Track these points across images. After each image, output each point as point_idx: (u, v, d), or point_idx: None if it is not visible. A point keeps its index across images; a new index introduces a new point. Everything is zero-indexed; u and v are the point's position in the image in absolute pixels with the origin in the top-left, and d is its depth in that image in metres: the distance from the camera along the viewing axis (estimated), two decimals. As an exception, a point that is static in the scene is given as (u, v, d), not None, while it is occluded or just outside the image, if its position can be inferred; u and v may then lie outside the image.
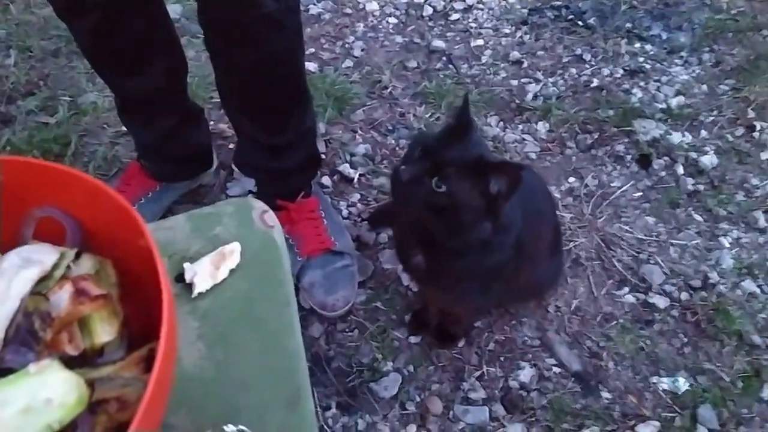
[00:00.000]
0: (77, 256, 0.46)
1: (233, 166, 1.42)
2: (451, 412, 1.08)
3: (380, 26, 1.78)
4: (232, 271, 0.56)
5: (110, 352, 0.44)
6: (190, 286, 0.55)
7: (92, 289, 0.42)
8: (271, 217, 0.60)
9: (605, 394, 1.09)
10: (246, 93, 1.07)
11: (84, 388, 0.39)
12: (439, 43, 1.71)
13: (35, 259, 0.44)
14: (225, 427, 0.45)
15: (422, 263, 0.83)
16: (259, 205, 0.61)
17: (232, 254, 0.56)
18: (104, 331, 0.42)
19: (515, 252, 0.79)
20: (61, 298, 0.41)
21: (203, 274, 0.55)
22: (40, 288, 0.43)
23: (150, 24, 1.08)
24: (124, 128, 1.54)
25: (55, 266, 0.44)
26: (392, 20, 1.79)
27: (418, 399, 1.10)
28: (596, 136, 1.46)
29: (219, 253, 0.56)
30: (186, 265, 0.56)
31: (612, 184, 1.38)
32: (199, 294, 0.55)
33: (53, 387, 0.38)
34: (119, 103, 1.21)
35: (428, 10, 1.81)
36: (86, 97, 1.62)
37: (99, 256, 0.47)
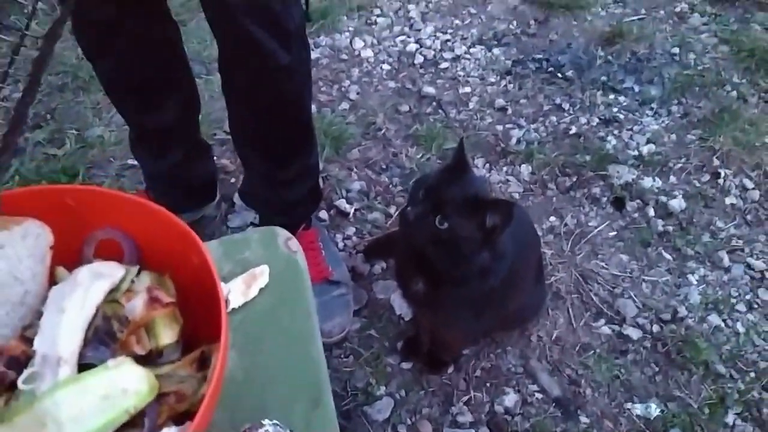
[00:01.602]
0: (138, 272, 0.54)
1: (235, 199, 1.51)
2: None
3: (374, 72, 1.90)
4: (261, 289, 0.64)
5: (168, 353, 0.51)
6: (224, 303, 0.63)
7: (164, 297, 0.50)
8: (294, 243, 0.68)
9: (583, 419, 1.17)
10: (257, 131, 1.16)
11: (154, 381, 0.46)
12: (429, 89, 1.82)
13: (105, 273, 0.52)
14: (263, 422, 0.52)
15: (422, 290, 0.92)
16: (283, 233, 0.69)
17: (262, 275, 0.64)
18: (166, 335, 0.50)
19: (506, 279, 0.88)
20: (136, 304, 0.49)
21: (236, 292, 0.63)
22: (110, 297, 0.50)
23: (168, 64, 1.17)
24: (129, 161, 1.62)
25: (122, 280, 0.52)
26: (386, 67, 1.91)
27: (409, 422, 1.17)
28: (575, 179, 1.58)
29: (250, 274, 0.64)
30: (221, 284, 0.64)
31: (589, 224, 1.48)
32: (233, 309, 0.63)
33: (128, 379, 0.45)
34: (134, 136, 1.30)
35: (419, 59, 1.94)
36: (93, 130, 1.70)
37: (156, 272, 0.55)
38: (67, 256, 0.56)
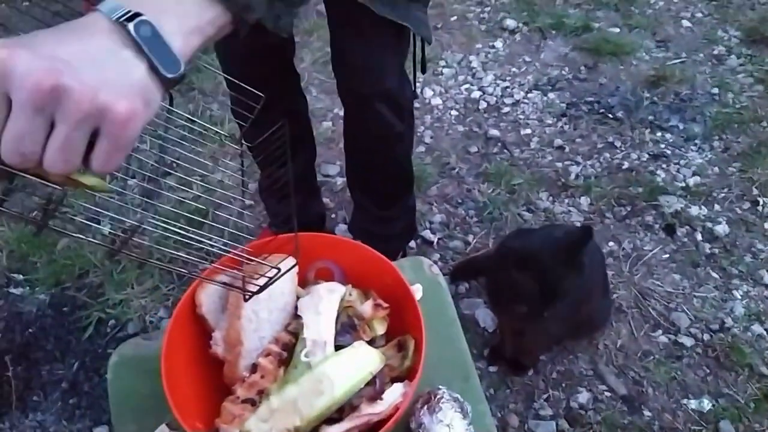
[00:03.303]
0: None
1: (336, 231, 1.80)
2: (525, 425, 1.39)
3: (444, 118, 2.18)
4: (417, 301, 0.90)
5: (378, 341, 0.78)
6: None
7: (384, 304, 0.77)
8: (435, 268, 0.95)
9: (646, 413, 1.40)
10: (370, 180, 1.45)
11: (381, 356, 0.73)
12: (494, 132, 2.09)
13: (335, 289, 0.79)
14: (439, 387, 0.78)
15: (525, 310, 1.17)
16: (427, 261, 0.96)
17: (418, 290, 0.90)
18: (380, 328, 0.77)
19: (583, 293, 1.13)
20: (366, 307, 0.76)
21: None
22: (342, 305, 0.78)
23: (299, 129, 1.48)
24: (248, 201, 1.93)
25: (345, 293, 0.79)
26: (454, 113, 2.19)
27: (498, 415, 1.41)
28: (629, 209, 1.81)
29: (413, 289, 0.90)
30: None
31: (644, 248, 1.71)
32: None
33: (367, 354, 0.73)
34: (265, 184, 1.60)
35: (483, 104, 2.21)
36: (214, 176, 2.03)
37: (361, 288, 0.82)
38: (300, 280, 0.84)
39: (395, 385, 0.73)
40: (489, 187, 1.91)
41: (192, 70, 2.41)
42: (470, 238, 1.78)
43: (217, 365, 0.78)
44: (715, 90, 2.16)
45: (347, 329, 0.76)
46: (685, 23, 2.47)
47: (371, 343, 0.77)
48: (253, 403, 0.73)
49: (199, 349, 0.79)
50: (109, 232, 1.86)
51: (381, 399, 0.71)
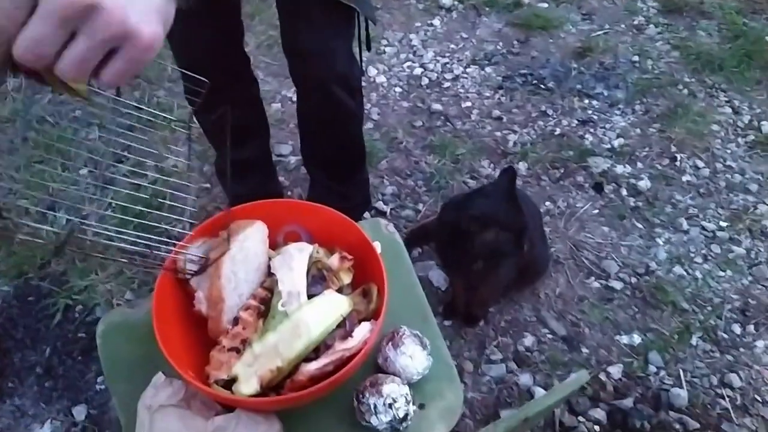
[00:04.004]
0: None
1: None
2: (479, 370, 1.53)
3: (389, 95, 2.28)
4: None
5: (345, 289, 0.89)
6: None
7: (348, 256, 0.88)
8: (392, 227, 1.06)
9: (584, 350, 1.56)
10: (326, 157, 1.54)
11: (350, 300, 0.84)
12: (437, 106, 2.21)
13: (304, 248, 0.89)
14: (400, 326, 0.90)
15: (481, 267, 1.29)
16: (384, 221, 1.07)
17: (377, 247, 1.01)
18: (346, 278, 0.88)
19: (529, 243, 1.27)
20: (334, 260, 0.87)
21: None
22: (311, 260, 0.88)
23: (252, 115, 1.54)
24: (202, 185, 1.99)
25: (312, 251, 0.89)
26: (398, 89, 2.30)
27: (455, 363, 1.55)
28: (562, 171, 1.97)
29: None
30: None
31: (577, 205, 1.88)
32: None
33: (338, 300, 0.83)
34: (223, 167, 1.66)
35: (425, 80, 2.33)
36: (167, 162, 2.07)
37: (326, 247, 0.92)
38: (270, 244, 0.94)
39: (363, 324, 0.84)
40: (435, 158, 2.03)
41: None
42: (420, 206, 1.90)
43: (201, 322, 0.87)
44: (636, 58, 2.35)
45: (318, 281, 0.86)
46: (608, -4, 2.65)
47: (339, 291, 0.88)
48: (238, 351, 0.83)
49: (183, 309, 0.87)
50: (60, 229, 1.89)
51: (351, 336, 0.82)
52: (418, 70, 2.36)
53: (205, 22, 1.12)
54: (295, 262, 0.87)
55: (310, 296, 0.85)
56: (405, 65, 2.39)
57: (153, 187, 1.91)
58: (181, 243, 0.88)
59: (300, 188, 1.97)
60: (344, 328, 0.84)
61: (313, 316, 0.82)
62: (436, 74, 2.35)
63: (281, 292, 0.85)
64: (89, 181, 2.02)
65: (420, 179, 1.98)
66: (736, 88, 2.20)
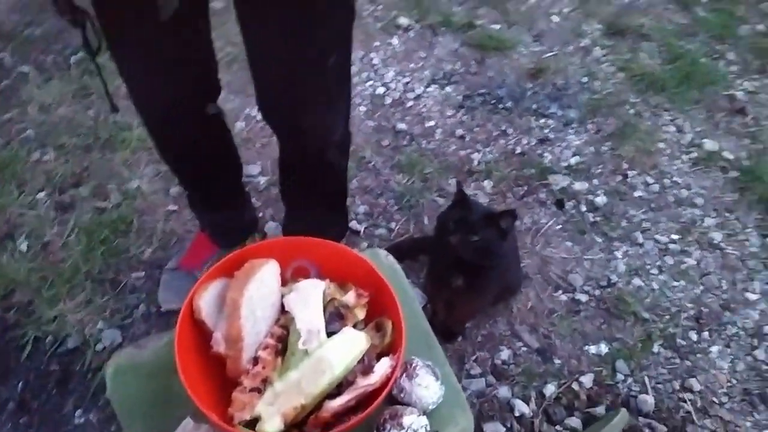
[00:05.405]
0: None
1: (266, 229, 1.88)
2: (460, 384, 1.58)
3: (354, 114, 2.30)
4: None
5: (359, 325, 0.92)
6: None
7: (364, 293, 0.90)
8: (391, 257, 1.10)
9: (557, 360, 1.64)
10: (309, 198, 1.51)
11: (367, 336, 0.87)
12: (402, 125, 2.26)
13: (317, 284, 0.92)
14: (413, 358, 0.93)
15: (462, 283, 1.35)
16: (383, 252, 1.10)
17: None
18: (360, 314, 0.91)
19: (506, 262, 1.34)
20: (350, 297, 0.89)
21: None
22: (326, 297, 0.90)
23: (219, 141, 1.47)
24: (171, 207, 1.95)
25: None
26: (363, 108, 2.33)
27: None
28: (526, 188, 2.07)
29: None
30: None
31: (541, 221, 1.97)
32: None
33: (357, 336, 0.86)
34: (195, 198, 1.62)
35: (388, 99, 2.37)
36: (131, 183, 2.02)
37: (337, 281, 0.95)
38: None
39: (383, 359, 0.87)
40: (404, 177, 2.08)
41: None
42: (393, 225, 1.94)
43: (218, 363, 0.88)
44: (585, 79, 2.48)
45: (335, 318, 0.89)
46: (555, 18, 2.78)
47: (354, 327, 0.91)
48: (259, 391, 0.84)
49: (199, 350, 0.88)
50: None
51: (373, 372, 0.85)
52: (380, 89, 2.40)
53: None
54: (310, 299, 0.90)
55: (328, 333, 0.88)
56: (368, 84, 2.43)
57: (118, 211, 1.87)
58: (198, 282, 0.88)
59: (272, 208, 1.98)
60: (363, 364, 0.87)
61: (335, 353, 0.84)
62: (398, 93, 2.40)
63: (300, 330, 0.87)
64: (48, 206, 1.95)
65: (391, 198, 2.02)
66: (678, 108, 2.36)
